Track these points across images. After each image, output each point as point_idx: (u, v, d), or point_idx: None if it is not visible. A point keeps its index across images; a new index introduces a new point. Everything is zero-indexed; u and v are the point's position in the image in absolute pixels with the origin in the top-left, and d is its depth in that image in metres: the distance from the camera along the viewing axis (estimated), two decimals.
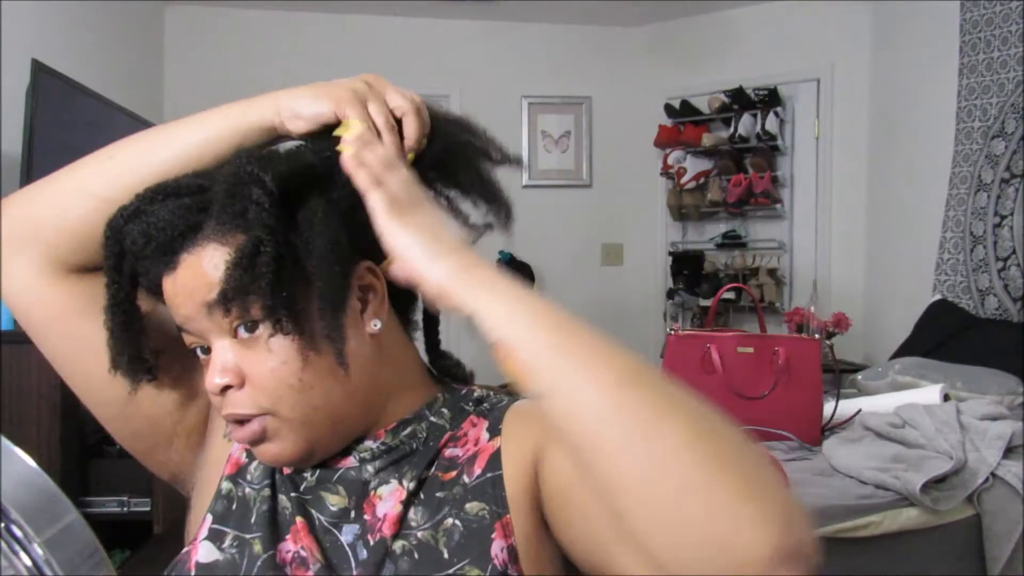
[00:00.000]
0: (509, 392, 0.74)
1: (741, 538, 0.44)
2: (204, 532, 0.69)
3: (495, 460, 0.66)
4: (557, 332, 0.53)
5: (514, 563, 0.63)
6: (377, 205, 0.60)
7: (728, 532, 0.45)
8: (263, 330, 0.63)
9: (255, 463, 0.72)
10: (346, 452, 0.70)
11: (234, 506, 0.71)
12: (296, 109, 0.66)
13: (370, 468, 0.68)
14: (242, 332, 0.63)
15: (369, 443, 0.69)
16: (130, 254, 0.64)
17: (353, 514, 0.68)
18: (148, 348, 0.68)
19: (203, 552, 0.68)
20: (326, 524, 0.68)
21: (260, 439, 0.65)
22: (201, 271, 0.62)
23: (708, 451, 0.47)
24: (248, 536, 0.68)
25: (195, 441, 0.76)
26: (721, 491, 0.45)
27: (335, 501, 0.68)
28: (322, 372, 0.64)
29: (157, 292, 0.67)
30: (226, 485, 0.72)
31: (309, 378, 0.63)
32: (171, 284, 0.64)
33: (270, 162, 0.62)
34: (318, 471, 0.70)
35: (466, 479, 0.67)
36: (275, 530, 0.68)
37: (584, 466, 0.51)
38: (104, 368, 0.68)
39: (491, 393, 0.75)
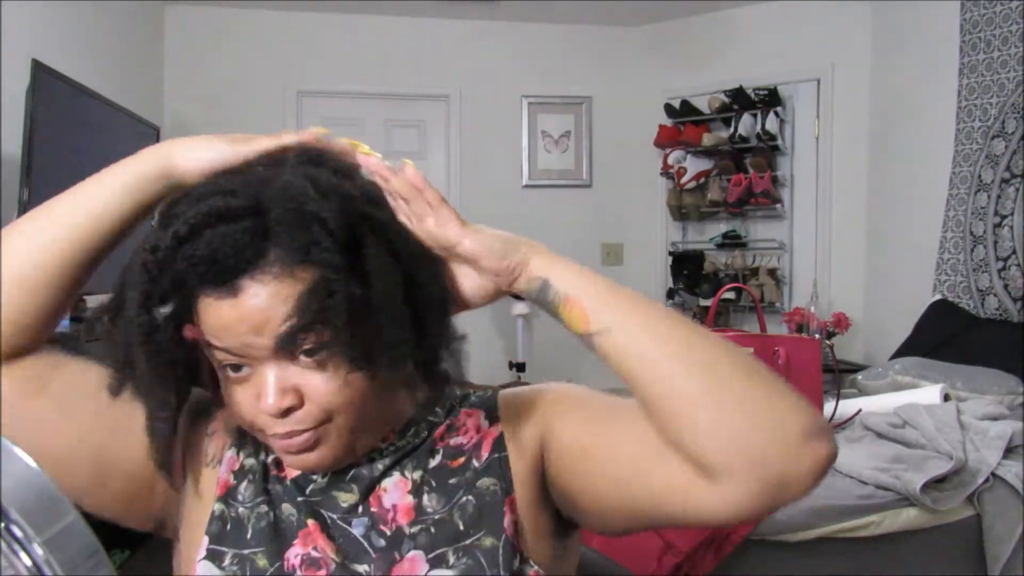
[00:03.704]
0: (485, 387, 0.81)
1: (788, 428, 0.59)
2: (202, 553, 0.70)
3: (500, 443, 0.74)
4: (611, 288, 0.68)
5: (519, 537, 0.70)
6: (451, 217, 0.68)
7: (776, 426, 0.59)
8: (324, 353, 0.64)
9: (244, 483, 0.73)
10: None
11: (228, 526, 0.72)
12: (193, 150, 0.68)
13: (379, 466, 0.72)
14: (303, 356, 0.64)
15: (379, 445, 0.73)
16: (185, 274, 0.61)
17: (361, 508, 0.71)
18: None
19: (202, 570, 0.69)
20: (337, 521, 0.71)
21: (310, 447, 0.67)
22: (273, 303, 0.62)
23: (746, 364, 0.62)
24: (247, 552, 0.70)
25: (177, 479, 0.75)
26: (762, 395, 0.61)
27: (346, 498, 0.71)
28: (371, 386, 0.66)
29: (181, 318, 0.64)
30: (218, 507, 0.72)
31: (370, 395, 0.67)
32: (229, 309, 0.62)
33: (326, 198, 0.63)
34: (329, 473, 0.72)
35: (475, 463, 0.73)
36: (279, 541, 0.70)
37: (641, 392, 0.63)
38: (67, 441, 0.69)
39: (472, 392, 0.80)
